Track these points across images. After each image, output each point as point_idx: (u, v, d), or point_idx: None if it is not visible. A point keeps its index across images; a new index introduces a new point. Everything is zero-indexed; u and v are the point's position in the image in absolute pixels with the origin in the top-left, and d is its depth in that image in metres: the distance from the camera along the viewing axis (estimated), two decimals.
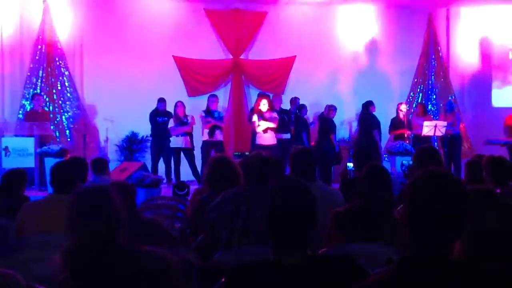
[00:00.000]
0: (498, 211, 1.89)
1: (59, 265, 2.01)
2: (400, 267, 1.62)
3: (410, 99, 12.30)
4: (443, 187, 1.62)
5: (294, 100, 10.93)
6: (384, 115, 11.00)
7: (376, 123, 10.62)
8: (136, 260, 2.05)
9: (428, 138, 10.67)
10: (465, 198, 1.64)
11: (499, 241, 1.83)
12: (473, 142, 12.09)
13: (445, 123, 10.60)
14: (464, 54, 12.43)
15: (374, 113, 10.69)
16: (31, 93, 10.58)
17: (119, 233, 2.10)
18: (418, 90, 12.46)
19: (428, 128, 10.50)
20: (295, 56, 11.78)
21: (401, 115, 10.91)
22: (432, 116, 11.83)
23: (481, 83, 12.47)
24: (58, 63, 11.06)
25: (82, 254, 2.02)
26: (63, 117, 11.05)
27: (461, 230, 1.62)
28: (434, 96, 12.43)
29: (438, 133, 10.48)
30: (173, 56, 11.47)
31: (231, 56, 11.75)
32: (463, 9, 12.26)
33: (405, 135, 10.73)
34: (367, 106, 10.71)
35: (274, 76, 11.88)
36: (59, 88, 11.04)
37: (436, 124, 10.54)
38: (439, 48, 12.43)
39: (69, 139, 10.86)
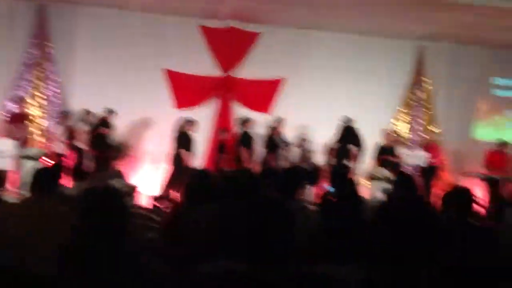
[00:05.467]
0: (469, 241, 1.92)
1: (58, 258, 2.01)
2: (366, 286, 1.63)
3: (394, 128, 12.44)
4: (409, 212, 1.64)
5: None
6: (367, 140, 11.09)
7: (248, 142, 10.70)
8: (130, 267, 2.05)
9: (403, 166, 10.84)
10: (432, 225, 1.64)
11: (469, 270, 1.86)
12: (452, 174, 12.24)
13: (426, 154, 10.77)
14: (449, 87, 12.62)
15: (248, 130, 10.84)
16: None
17: (125, 237, 2.11)
18: (402, 119, 12.61)
19: (410, 157, 10.66)
20: (283, 78, 11.89)
21: (385, 143, 11.07)
22: (408, 146, 12.00)
23: (464, 117, 12.66)
24: (48, 68, 11.04)
25: (87, 251, 2.02)
26: (49, 122, 11.00)
27: (428, 256, 1.62)
28: (417, 127, 12.57)
29: (419, 163, 10.62)
30: (164, 69, 11.50)
31: (221, 73, 11.82)
32: (451, 44, 12.48)
33: (386, 162, 10.85)
34: (243, 123, 10.90)
35: (262, 96, 11.96)
36: (47, 93, 11.01)
37: (417, 154, 10.70)
38: (425, 79, 12.62)
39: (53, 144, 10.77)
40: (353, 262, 3.15)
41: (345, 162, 10.38)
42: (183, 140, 10.34)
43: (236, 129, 11.61)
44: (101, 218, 2.07)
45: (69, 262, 2.00)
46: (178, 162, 10.10)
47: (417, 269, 1.63)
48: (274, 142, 10.85)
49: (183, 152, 10.17)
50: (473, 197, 3.94)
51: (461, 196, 4.00)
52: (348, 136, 10.59)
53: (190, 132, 10.46)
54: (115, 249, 2.07)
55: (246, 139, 10.82)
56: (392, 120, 12.52)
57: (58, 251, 2.04)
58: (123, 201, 2.20)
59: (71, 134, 10.36)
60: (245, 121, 10.99)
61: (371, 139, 11.19)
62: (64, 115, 10.42)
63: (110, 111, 10.47)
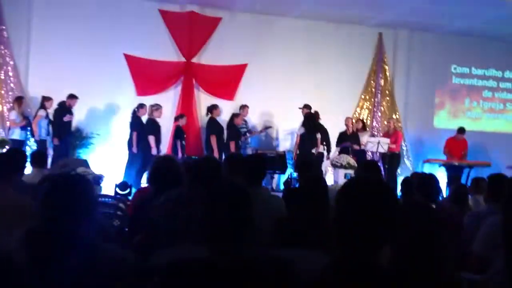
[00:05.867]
0: (430, 222, 1.96)
1: (18, 243, 1.98)
2: (328, 270, 1.63)
3: (356, 114, 12.58)
4: (368, 193, 1.64)
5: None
6: (332, 128, 11.23)
7: (215, 129, 10.68)
8: (95, 255, 2.03)
9: (366, 152, 11.00)
10: (391, 205, 1.65)
11: (429, 250, 1.90)
12: (413, 161, 12.50)
13: (387, 140, 10.93)
14: (409, 75, 12.84)
15: (217, 117, 10.88)
16: None
17: (85, 224, 2.08)
18: (364, 106, 12.76)
19: (372, 144, 10.80)
20: (247, 63, 11.85)
21: (349, 130, 11.21)
22: (375, 132, 12.21)
23: (424, 104, 12.90)
24: (3, 52, 10.73)
25: (45, 236, 1.99)
26: (5, 107, 10.71)
27: (387, 236, 1.63)
28: (379, 114, 12.76)
29: (381, 150, 10.77)
30: (124, 53, 11.30)
31: (183, 59, 11.69)
32: (411, 32, 12.67)
33: (349, 149, 10.99)
34: (210, 110, 10.87)
35: (225, 82, 11.88)
36: (2, 77, 10.71)
37: (379, 140, 10.85)
38: (386, 67, 12.79)
39: (9, 130, 10.50)
40: (316, 247, 3.19)
41: (310, 149, 10.44)
42: (150, 126, 10.20)
43: (197, 115, 11.60)
44: (64, 205, 2.05)
45: (34, 248, 1.98)
46: (146, 149, 9.93)
47: (374, 249, 1.62)
48: (235, 129, 10.81)
49: (150, 138, 10.03)
50: (435, 183, 4.03)
51: (423, 181, 4.09)
52: (313, 123, 10.63)
53: (156, 118, 10.33)
54: (79, 236, 2.04)
55: (214, 126, 10.73)
56: (355, 107, 12.66)
57: (24, 236, 2.01)
58: (88, 188, 2.18)
59: (27, 120, 10.11)
60: (212, 108, 10.89)
61: (336, 126, 11.32)
62: (17, 100, 10.09)
63: (72, 96, 10.23)
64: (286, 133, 11.94)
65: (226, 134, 10.81)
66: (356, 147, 11.04)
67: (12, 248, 1.99)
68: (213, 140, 10.51)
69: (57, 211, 2.02)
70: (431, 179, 4.16)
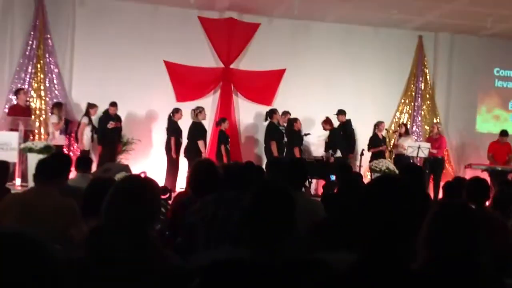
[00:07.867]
0: (468, 224, 1.93)
1: (81, 242, 2.03)
2: (352, 268, 1.64)
3: (395, 119, 12.42)
4: (388, 191, 1.66)
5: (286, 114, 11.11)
6: (370, 133, 11.16)
7: (275, 135, 10.54)
8: (155, 258, 2.07)
9: (409, 158, 10.81)
10: (409, 203, 1.65)
11: (466, 252, 1.87)
12: (455, 165, 12.24)
13: (428, 145, 10.75)
14: (450, 79, 12.60)
15: (276, 122, 10.74)
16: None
17: (149, 227, 2.14)
18: (404, 111, 12.58)
19: (412, 149, 10.64)
20: (285, 69, 11.87)
21: (379, 134, 11.10)
22: (415, 137, 12.01)
23: (466, 108, 12.64)
24: (48, 60, 11.05)
25: (109, 236, 2.03)
26: (49, 114, 11.00)
27: (409, 233, 1.63)
28: (420, 118, 12.56)
29: (421, 154, 10.60)
30: (164, 60, 11.49)
31: (221, 65, 11.81)
32: (452, 35, 12.45)
33: (385, 153, 10.89)
34: (270, 115, 10.78)
35: (263, 87, 11.93)
36: (47, 85, 11.02)
37: (419, 145, 10.68)
38: (427, 70, 12.60)
39: (48, 136, 10.74)
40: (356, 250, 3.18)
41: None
42: (198, 130, 10.29)
43: (235, 121, 11.68)
44: (131, 206, 2.09)
45: (97, 247, 2.03)
46: (193, 153, 9.95)
47: (396, 248, 1.63)
48: (297, 134, 10.67)
49: (200, 143, 10.12)
50: (485, 187, 3.95)
51: (474, 185, 4.01)
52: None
53: (201, 121, 10.43)
54: (143, 238, 2.09)
55: (274, 132, 10.62)
56: (395, 112, 12.50)
57: (88, 235, 2.08)
58: (154, 192, 2.23)
59: (70, 126, 10.38)
60: (272, 113, 10.81)
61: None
62: (57, 106, 10.33)
63: (111, 104, 10.46)
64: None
65: (288, 140, 10.75)
66: (389, 151, 11.01)
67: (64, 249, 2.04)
68: (274, 146, 10.43)
69: (123, 213, 2.07)
70: (482, 183, 4.09)
